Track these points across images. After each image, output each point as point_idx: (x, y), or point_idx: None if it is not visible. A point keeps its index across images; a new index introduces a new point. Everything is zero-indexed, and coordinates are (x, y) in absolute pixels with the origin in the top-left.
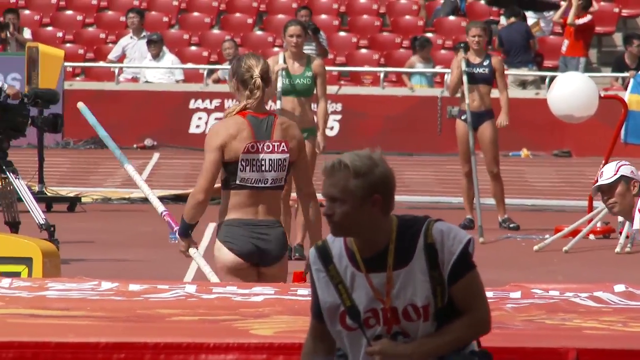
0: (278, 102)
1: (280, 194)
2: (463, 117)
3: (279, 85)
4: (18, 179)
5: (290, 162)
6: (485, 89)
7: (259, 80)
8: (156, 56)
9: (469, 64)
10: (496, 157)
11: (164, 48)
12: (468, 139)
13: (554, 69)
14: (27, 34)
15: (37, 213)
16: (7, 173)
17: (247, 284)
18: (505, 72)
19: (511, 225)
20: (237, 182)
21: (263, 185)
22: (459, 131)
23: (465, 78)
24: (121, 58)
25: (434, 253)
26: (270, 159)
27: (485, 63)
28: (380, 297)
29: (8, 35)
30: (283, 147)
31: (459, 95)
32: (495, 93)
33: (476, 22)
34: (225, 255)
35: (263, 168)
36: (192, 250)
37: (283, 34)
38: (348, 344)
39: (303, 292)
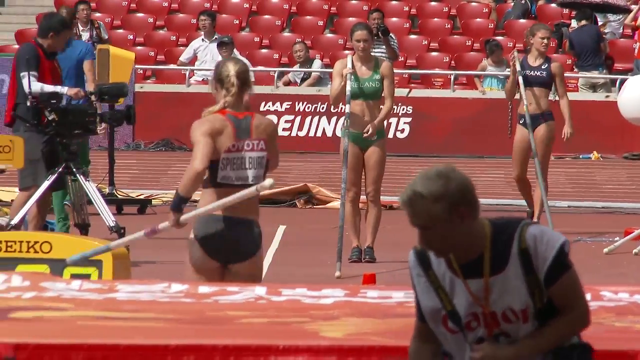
0: (347, 105)
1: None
2: (522, 122)
3: (348, 88)
4: (88, 181)
5: (267, 159)
6: (541, 92)
7: (233, 78)
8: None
9: (525, 66)
10: (545, 162)
11: (235, 50)
12: (523, 143)
13: (625, 71)
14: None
15: (107, 215)
16: (77, 175)
17: (317, 286)
18: (577, 74)
19: None
20: (218, 180)
21: (243, 183)
22: (516, 135)
23: (521, 80)
24: (192, 60)
25: (528, 259)
26: (250, 157)
27: (543, 67)
28: (480, 302)
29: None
30: (261, 145)
31: (517, 97)
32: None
33: (543, 25)
34: (194, 252)
35: (244, 166)
36: (183, 217)
37: (350, 37)
38: (453, 346)
39: (373, 294)
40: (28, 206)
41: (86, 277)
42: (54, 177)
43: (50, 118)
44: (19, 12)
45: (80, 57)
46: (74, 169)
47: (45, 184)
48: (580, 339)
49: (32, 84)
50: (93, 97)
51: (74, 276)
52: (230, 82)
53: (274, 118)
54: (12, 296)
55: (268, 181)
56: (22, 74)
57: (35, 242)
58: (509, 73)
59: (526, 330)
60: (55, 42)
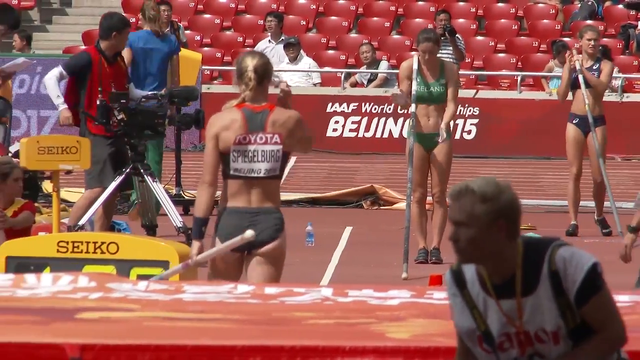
0: (412, 107)
1: (277, 183)
2: (575, 121)
3: (414, 90)
4: (155, 182)
5: (286, 152)
6: (594, 94)
7: (251, 73)
8: (294, 59)
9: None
10: (598, 165)
11: (301, 51)
12: (577, 142)
13: None
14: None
15: (175, 216)
16: (145, 176)
17: (383, 287)
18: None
19: (604, 231)
20: (231, 172)
21: (256, 175)
22: (569, 134)
23: (582, 80)
24: None
25: (558, 280)
26: (263, 150)
27: (594, 67)
28: (513, 322)
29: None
30: (276, 139)
31: (570, 99)
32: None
33: (592, 27)
34: (215, 245)
35: (255, 159)
36: (199, 257)
37: (417, 42)
38: None
39: (439, 295)
40: (95, 207)
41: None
42: (121, 178)
43: (119, 118)
44: (86, 13)
45: (171, 51)
46: (142, 170)
47: (113, 184)
48: (620, 355)
49: (50, 77)
50: (162, 100)
51: (141, 277)
52: (249, 76)
53: (340, 119)
54: (78, 297)
55: (249, 232)
56: (56, 68)
57: (102, 243)
58: (575, 75)
59: (559, 351)
60: (118, 41)
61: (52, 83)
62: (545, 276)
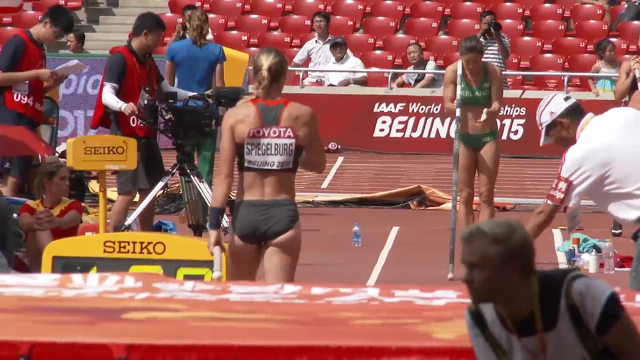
0: (457, 109)
1: (291, 175)
2: None
3: (458, 95)
4: (202, 182)
5: (299, 146)
6: None
7: (265, 72)
8: (340, 59)
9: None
10: None
11: (348, 51)
12: None
13: None
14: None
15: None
16: (192, 177)
17: (429, 287)
18: None
19: None
20: (245, 164)
21: (269, 167)
22: None
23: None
24: (306, 62)
25: (577, 314)
26: (276, 144)
27: None
28: (537, 358)
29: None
30: (289, 132)
31: (626, 99)
32: None
33: None
34: (232, 238)
35: (269, 152)
36: (216, 249)
37: (460, 51)
38: None
39: None
40: (142, 207)
41: (200, 278)
42: (167, 178)
43: (166, 117)
44: (133, 13)
45: (214, 59)
46: (188, 170)
47: (160, 184)
48: None
49: (105, 94)
50: (209, 100)
51: (187, 277)
52: (262, 75)
53: (387, 119)
54: (125, 297)
55: (216, 274)
56: (105, 84)
57: (149, 243)
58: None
59: None
60: (149, 40)
61: (107, 98)
62: (564, 311)
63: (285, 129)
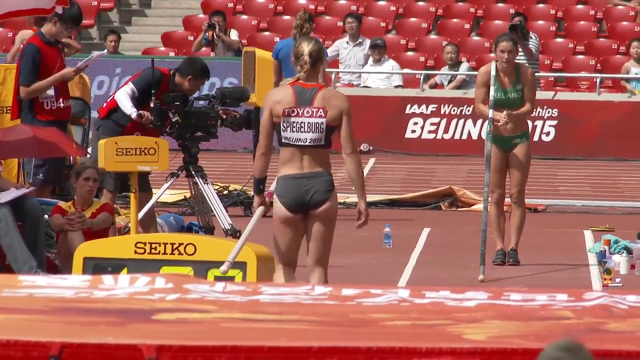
0: (490, 111)
1: (325, 151)
2: None
3: (491, 96)
4: (207, 184)
5: (330, 125)
6: None
7: (306, 57)
8: (378, 61)
9: None
10: None
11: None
12: None
13: None
14: (233, 35)
15: (224, 218)
16: (197, 178)
17: (460, 288)
18: None
19: None
20: (283, 140)
21: (302, 144)
22: None
23: None
24: (334, 60)
25: None
26: (309, 122)
27: None
28: None
29: (215, 37)
30: (321, 112)
31: None
32: None
33: None
34: (277, 208)
35: (302, 129)
36: (259, 209)
37: (494, 47)
38: None
39: (516, 297)
40: (146, 209)
41: (230, 279)
42: (172, 180)
43: (174, 120)
44: (165, 15)
45: None
46: (193, 172)
47: (165, 185)
48: None
49: (123, 94)
50: (214, 100)
51: (218, 278)
52: (304, 60)
53: (419, 121)
54: (155, 298)
55: (223, 268)
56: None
57: (180, 244)
58: None
59: None
60: (191, 86)
61: (122, 99)
62: None
63: (318, 109)
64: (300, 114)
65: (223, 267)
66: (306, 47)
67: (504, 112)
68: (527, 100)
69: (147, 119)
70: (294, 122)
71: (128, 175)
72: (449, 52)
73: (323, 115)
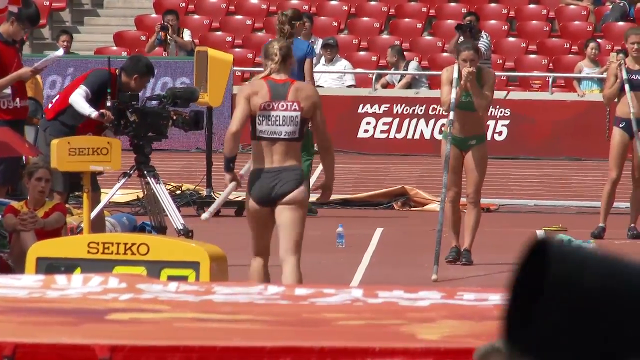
0: (451, 112)
1: (297, 144)
2: (621, 125)
3: (453, 96)
4: (159, 183)
5: (303, 118)
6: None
7: (277, 50)
8: (330, 61)
9: (627, 70)
10: None
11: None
12: (622, 146)
13: None
14: (186, 35)
15: (176, 218)
16: (149, 178)
17: (413, 288)
18: None
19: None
20: (257, 134)
21: (277, 137)
22: (615, 138)
23: (627, 86)
24: None
25: None
26: (283, 116)
27: None
28: None
29: (168, 37)
30: (295, 106)
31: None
32: None
33: (636, 29)
34: (249, 203)
35: (277, 123)
36: (231, 184)
37: (456, 55)
38: None
39: (470, 296)
40: (99, 208)
41: (183, 279)
42: (124, 180)
43: (131, 119)
44: (117, 14)
45: (303, 55)
46: (145, 172)
47: (117, 185)
48: None
49: (77, 96)
50: (165, 100)
51: (171, 278)
52: (275, 53)
53: (371, 120)
54: (108, 298)
55: (205, 215)
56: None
57: (133, 244)
58: (605, 75)
59: None
60: (137, 84)
61: (77, 100)
62: None
63: (292, 103)
64: (275, 108)
65: (205, 215)
66: (277, 43)
67: (471, 69)
68: (485, 91)
69: (108, 118)
70: (269, 115)
71: (81, 175)
72: (389, 55)
73: (297, 108)
